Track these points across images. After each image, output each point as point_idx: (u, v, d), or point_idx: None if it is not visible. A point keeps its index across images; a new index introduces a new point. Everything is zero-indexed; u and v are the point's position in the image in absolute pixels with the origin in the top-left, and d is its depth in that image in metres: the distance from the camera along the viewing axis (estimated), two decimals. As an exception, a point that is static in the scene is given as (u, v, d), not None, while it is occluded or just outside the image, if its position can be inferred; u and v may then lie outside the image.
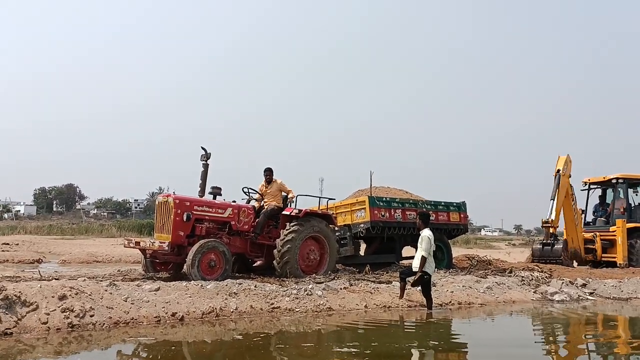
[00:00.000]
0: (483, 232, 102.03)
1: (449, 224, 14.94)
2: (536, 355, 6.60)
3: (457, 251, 18.78)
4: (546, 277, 12.70)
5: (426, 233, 8.91)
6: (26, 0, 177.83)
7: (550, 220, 16.09)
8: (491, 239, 67.77)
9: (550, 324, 9.01)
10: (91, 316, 6.57)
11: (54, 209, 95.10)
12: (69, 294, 6.69)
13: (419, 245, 8.95)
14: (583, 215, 18.02)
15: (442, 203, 15.04)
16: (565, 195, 16.82)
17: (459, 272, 12.89)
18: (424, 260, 8.72)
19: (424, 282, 8.86)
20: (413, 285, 8.98)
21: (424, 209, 13.31)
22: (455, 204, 15.27)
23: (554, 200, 16.26)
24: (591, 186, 18.46)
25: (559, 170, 16.57)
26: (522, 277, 12.17)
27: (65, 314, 6.41)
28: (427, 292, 8.92)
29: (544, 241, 16.45)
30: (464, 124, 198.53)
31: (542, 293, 11.17)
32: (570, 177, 17.10)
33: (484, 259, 15.71)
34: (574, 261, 17.18)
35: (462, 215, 15.30)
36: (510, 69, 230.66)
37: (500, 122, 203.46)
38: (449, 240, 15.26)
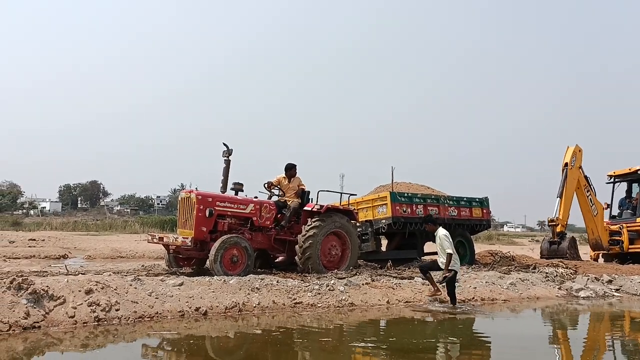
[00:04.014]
0: (505, 228, 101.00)
1: (472, 219, 14.83)
2: (561, 351, 6.52)
3: (480, 247, 18.65)
4: (571, 273, 12.53)
5: (441, 232, 8.97)
6: (47, 3, 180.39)
7: (556, 218, 15.94)
8: (514, 235, 67.14)
9: (576, 320, 8.89)
10: (117, 310, 6.66)
11: (79, 205, 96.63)
12: (95, 288, 6.79)
13: (438, 247, 8.99)
14: (608, 208, 17.80)
15: (465, 198, 14.93)
16: (577, 187, 16.63)
17: (482, 268, 12.79)
18: (449, 257, 8.70)
19: (449, 279, 8.81)
20: (441, 282, 8.95)
21: (429, 212, 13.27)
22: (477, 200, 15.16)
23: (560, 197, 16.07)
24: (616, 179, 18.19)
25: (567, 164, 16.35)
26: (547, 273, 12.02)
27: (91, 307, 6.51)
28: (451, 289, 8.87)
29: (551, 239, 16.31)
30: (486, 119, 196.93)
31: (567, 289, 11.03)
32: (581, 167, 16.85)
33: (507, 255, 15.56)
34: (599, 255, 17.04)
35: (484, 211, 15.17)
36: (526, 64, 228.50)
37: (521, 117, 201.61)
38: (472, 236, 15.16)
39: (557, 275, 11.93)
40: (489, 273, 11.47)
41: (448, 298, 8.94)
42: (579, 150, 16.83)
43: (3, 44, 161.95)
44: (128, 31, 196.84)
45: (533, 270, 12.49)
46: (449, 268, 8.73)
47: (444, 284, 8.90)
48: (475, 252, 15.11)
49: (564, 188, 16.12)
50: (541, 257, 16.28)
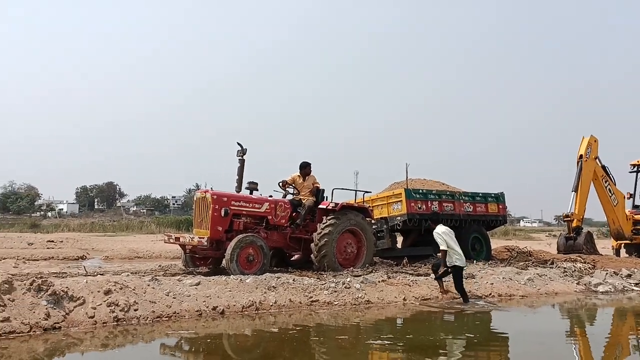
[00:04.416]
0: (522, 223, 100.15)
1: (487, 215, 14.73)
2: (580, 347, 6.47)
3: (496, 243, 18.52)
4: (589, 268, 12.42)
5: (436, 230, 9.11)
6: (69, 12, 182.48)
7: (570, 213, 15.77)
8: (530, 230, 66.51)
9: (595, 315, 8.81)
10: (135, 310, 6.73)
11: (96, 206, 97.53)
12: (114, 288, 6.86)
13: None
14: (631, 198, 17.59)
15: (480, 194, 14.84)
16: (594, 178, 16.45)
17: (499, 264, 12.71)
18: (444, 253, 8.82)
19: (455, 276, 8.82)
20: (436, 278, 9.22)
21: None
22: (493, 195, 15.06)
23: (575, 191, 15.87)
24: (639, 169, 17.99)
25: (581, 156, 16.15)
26: (565, 268, 11.93)
27: (110, 308, 6.58)
28: (459, 286, 8.86)
29: (568, 235, 16.15)
30: (498, 112, 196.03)
31: (585, 284, 10.93)
32: (597, 158, 16.65)
33: (524, 250, 15.42)
34: (622, 245, 16.89)
35: (500, 206, 15.06)
36: (527, 63, 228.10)
37: (535, 108, 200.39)
38: (488, 232, 15.06)
39: (575, 270, 11.83)
40: (506, 269, 11.40)
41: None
42: (595, 141, 16.61)
43: (22, 53, 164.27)
44: (141, 35, 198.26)
45: (551, 266, 12.40)
46: (454, 264, 8.80)
47: (454, 282, 8.90)
48: (492, 248, 15.01)
49: (579, 181, 15.92)
50: (558, 253, 16.14)
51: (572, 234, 15.97)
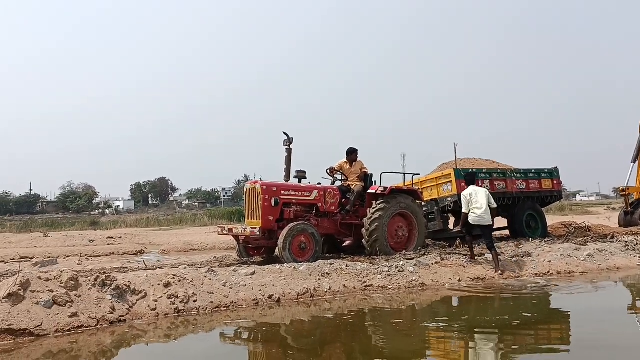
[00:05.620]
0: (579, 198, 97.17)
1: (541, 191, 14.37)
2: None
3: (552, 219, 18.03)
4: (652, 241, 11.93)
5: (462, 192, 9.46)
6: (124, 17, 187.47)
7: (626, 187, 15.07)
8: (588, 204, 64.45)
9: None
10: (194, 301, 6.92)
11: (150, 202, 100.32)
12: (173, 281, 7.07)
13: None
14: None
15: (533, 170, 14.47)
16: None
17: (556, 241, 12.39)
18: (465, 216, 9.23)
19: (486, 234, 9.24)
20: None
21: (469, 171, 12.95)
22: (546, 170, 14.66)
23: (635, 162, 15.12)
24: None
25: None
26: (626, 242, 11.52)
27: (171, 300, 6.79)
28: (490, 246, 9.23)
29: (625, 209, 15.47)
30: (546, 83, 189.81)
31: (648, 258, 10.52)
32: None
33: (581, 226, 14.97)
34: None
35: (554, 182, 14.66)
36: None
37: (588, 72, 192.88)
38: (543, 209, 14.70)
39: (637, 244, 11.39)
40: (563, 245, 11.10)
41: (517, 273, 8.86)
42: None
43: (77, 60, 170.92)
44: (186, 32, 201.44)
45: (611, 240, 12.00)
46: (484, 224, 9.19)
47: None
48: (548, 225, 14.64)
49: (638, 153, 15.21)
50: (619, 227, 15.56)
51: (629, 208, 15.35)
